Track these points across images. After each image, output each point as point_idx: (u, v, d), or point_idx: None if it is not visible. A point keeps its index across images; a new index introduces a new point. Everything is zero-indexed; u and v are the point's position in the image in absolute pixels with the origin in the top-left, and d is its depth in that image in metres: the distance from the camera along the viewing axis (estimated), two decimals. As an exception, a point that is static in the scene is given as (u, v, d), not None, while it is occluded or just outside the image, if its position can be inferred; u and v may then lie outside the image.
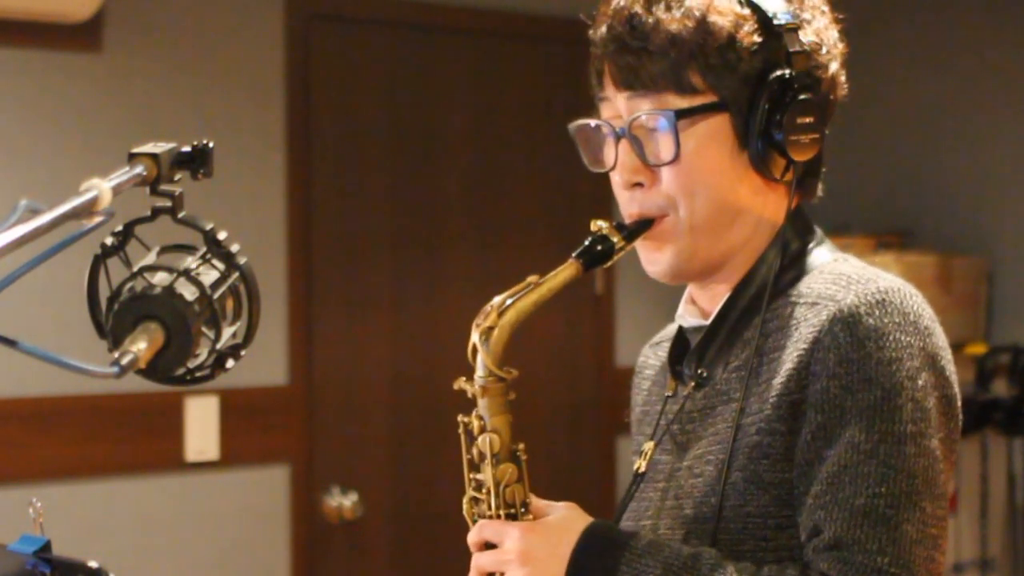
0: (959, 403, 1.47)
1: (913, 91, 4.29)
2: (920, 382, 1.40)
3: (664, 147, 1.50)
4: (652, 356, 1.74)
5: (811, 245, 1.55)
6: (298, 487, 3.64)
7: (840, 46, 1.56)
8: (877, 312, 1.41)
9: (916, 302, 1.45)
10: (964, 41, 4.17)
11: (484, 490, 1.50)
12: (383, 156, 3.83)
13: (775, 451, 1.43)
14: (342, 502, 3.68)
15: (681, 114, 1.48)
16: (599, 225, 1.51)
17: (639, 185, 1.52)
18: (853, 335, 1.40)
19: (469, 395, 1.51)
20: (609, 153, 1.55)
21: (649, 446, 1.60)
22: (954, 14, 4.20)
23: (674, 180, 1.50)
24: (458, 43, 3.94)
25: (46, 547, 1.20)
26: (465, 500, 1.53)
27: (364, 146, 3.80)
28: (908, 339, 1.41)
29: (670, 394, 1.61)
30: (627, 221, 1.54)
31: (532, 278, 1.50)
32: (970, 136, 4.15)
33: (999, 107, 4.08)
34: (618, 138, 1.53)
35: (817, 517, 1.38)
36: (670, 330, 1.68)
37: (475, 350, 1.49)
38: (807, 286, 1.50)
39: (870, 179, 4.36)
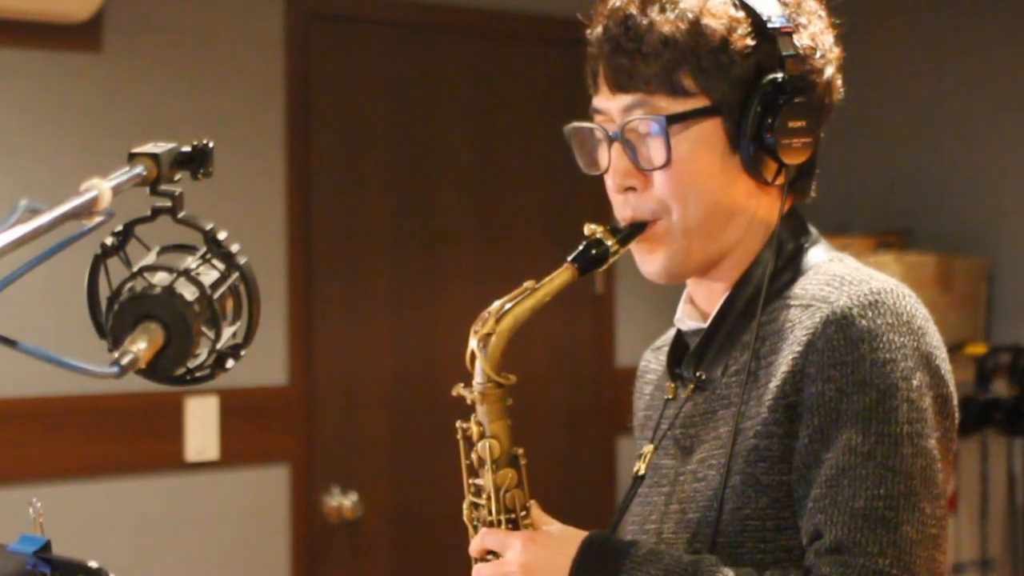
0: (955, 402, 1.47)
1: (913, 91, 4.29)
2: (915, 382, 1.40)
3: (656, 152, 1.49)
4: (653, 361, 1.74)
5: (806, 245, 1.55)
6: (298, 487, 3.64)
7: (836, 50, 1.56)
8: (870, 313, 1.41)
9: (909, 302, 1.44)
10: (964, 41, 4.17)
11: (484, 495, 1.51)
12: (383, 156, 3.83)
13: (772, 454, 1.43)
14: (342, 502, 3.68)
15: (672, 119, 1.47)
16: (593, 229, 1.52)
17: (632, 189, 1.52)
18: (846, 337, 1.40)
19: (468, 401, 1.51)
20: (603, 156, 1.55)
21: (648, 449, 1.60)
22: (954, 14, 4.20)
23: (666, 185, 1.50)
24: (458, 43, 3.94)
25: (46, 547, 1.21)
26: (465, 505, 1.53)
27: (364, 146, 3.80)
28: (902, 340, 1.41)
29: (670, 397, 1.61)
30: (621, 224, 1.54)
31: (528, 283, 1.50)
32: (970, 136, 4.15)
33: (999, 107, 4.08)
34: (611, 141, 1.53)
35: (817, 520, 1.38)
36: (670, 335, 1.68)
37: (473, 357, 1.49)
38: (801, 287, 1.50)
39: (870, 179, 4.36)
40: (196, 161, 1.18)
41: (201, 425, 3.50)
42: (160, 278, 1.10)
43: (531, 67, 4.04)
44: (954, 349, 3.73)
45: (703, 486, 1.50)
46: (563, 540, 1.46)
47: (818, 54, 1.52)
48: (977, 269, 4.01)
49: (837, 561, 1.36)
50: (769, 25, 1.49)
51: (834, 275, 1.48)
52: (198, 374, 1.14)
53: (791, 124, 1.48)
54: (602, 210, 1.58)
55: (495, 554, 1.49)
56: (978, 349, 3.90)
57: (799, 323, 1.45)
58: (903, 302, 1.43)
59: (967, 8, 4.17)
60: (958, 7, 4.20)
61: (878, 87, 4.23)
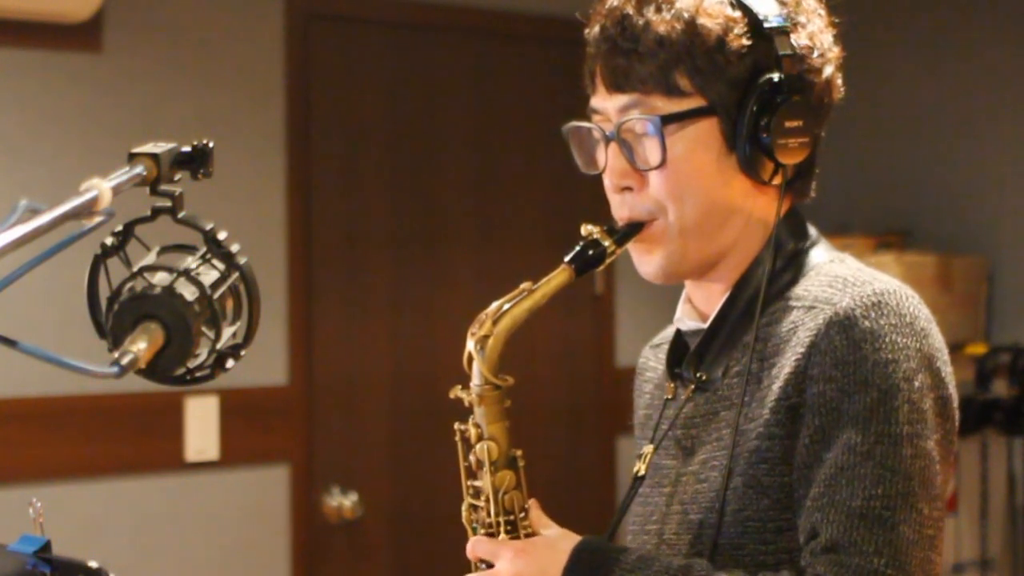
0: (955, 404, 1.47)
1: (913, 91, 4.29)
2: (917, 383, 1.40)
3: (651, 152, 1.49)
4: (652, 358, 1.74)
5: (806, 246, 1.55)
6: (298, 487, 3.64)
7: (835, 50, 1.55)
8: (873, 314, 1.41)
9: (912, 303, 1.44)
10: (964, 41, 4.17)
11: (483, 497, 1.50)
12: (383, 156, 3.83)
13: (774, 455, 1.43)
14: (342, 502, 3.68)
15: (667, 119, 1.47)
16: (589, 229, 1.51)
17: (628, 189, 1.52)
18: (849, 338, 1.40)
19: (466, 403, 1.51)
20: (600, 156, 1.55)
21: (648, 449, 1.60)
22: (953, 14, 4.20)
23: (662, 185, 1.49)
24: (458, 43, 3.94)
25: (46, 547, 1.21)
26: (464, 507, 1.53)
27: (364, 146, 3.80)
28: (904, 341, 1.41)
29: (669, 397, 1.61)
30: (618, 224, 1.54)
31: (525, 285, 1.50)
32: (970, 136, 4.15)
33: (999, 107, 4.08)
34: (608, 141, 1.52)
35: (814, 519, 1.38)
36: (669, 332, 1.68)
37: (471, 358, 1.49)
38: (803, 289, 1.50)
39: (870, 179, 4.36)
40: (196, 161, 1.18)
41: (201, 425, 3.50)
42: (160, 278, 1.10)
43: (531, 67, 4.04)
44: (954, 349, 3.69)
45: (705, 487, 1.49)
46: (554, 548, 1.46)
47: (816, 53, 1.52)
48: (977, 269, 4.01)
49: (832, 560, 1.35)
50: (766, 24, 1.49)
51: (836, 276, 1.48)
52: (198, 374, 1.14)
53: (788, 124, 1.48)
54: (602, 210, 1.58)
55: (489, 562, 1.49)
56: (978, 349, 3.90)
57: (802, 325, 1.45)
58: (906, 303, 1.43)
59: (967, 8, 4.17)
60: (958, 7, 4.20)
61: (878, 87, 4.23)
